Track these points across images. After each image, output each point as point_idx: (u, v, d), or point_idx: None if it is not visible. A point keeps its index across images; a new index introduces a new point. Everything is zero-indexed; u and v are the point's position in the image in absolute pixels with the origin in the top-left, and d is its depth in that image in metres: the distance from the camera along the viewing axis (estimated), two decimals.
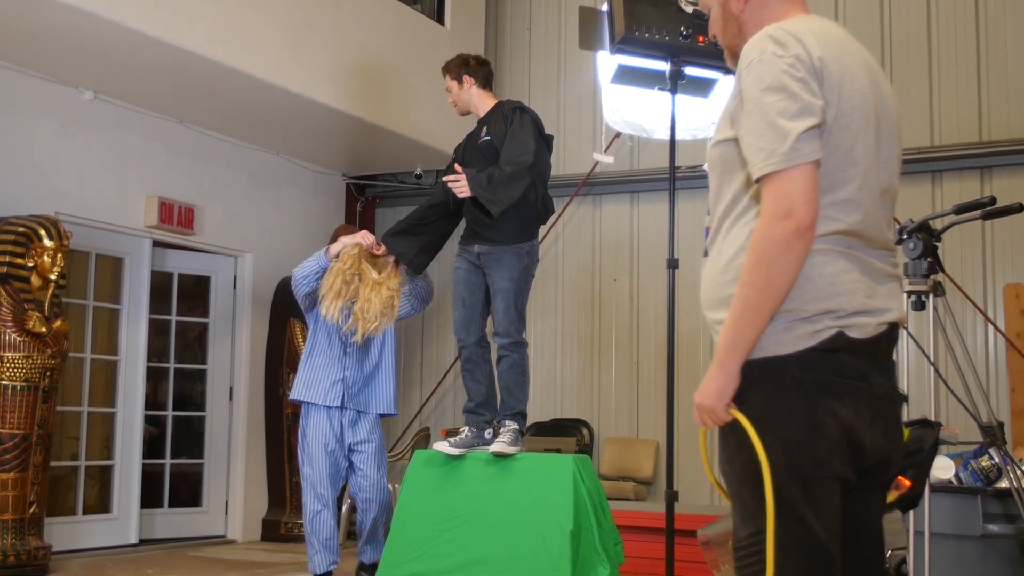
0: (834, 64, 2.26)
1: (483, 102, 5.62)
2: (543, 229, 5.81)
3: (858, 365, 2.23)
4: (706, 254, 2.56)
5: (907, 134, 8.04)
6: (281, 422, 8.80)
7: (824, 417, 2.19)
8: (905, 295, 4.63)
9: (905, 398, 2.42)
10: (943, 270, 4.78)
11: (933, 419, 4.50)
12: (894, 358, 2.37)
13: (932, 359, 4.57)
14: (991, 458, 5.50)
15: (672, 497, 4.75)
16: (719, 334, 2.33)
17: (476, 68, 5.66)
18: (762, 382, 2.24)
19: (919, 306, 4.64)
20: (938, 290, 4.64)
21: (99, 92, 7.54)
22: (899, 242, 4.70)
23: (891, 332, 2.31)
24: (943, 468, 5.27)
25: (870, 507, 2.36)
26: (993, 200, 4.70)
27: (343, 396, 5.94)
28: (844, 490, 2.24)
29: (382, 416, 6.13)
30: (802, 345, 2.21)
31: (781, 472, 2.18)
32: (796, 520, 2.17)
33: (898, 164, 2.43)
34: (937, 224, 4.80)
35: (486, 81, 5.67)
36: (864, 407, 2.23)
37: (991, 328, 7.87)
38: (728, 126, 2.35)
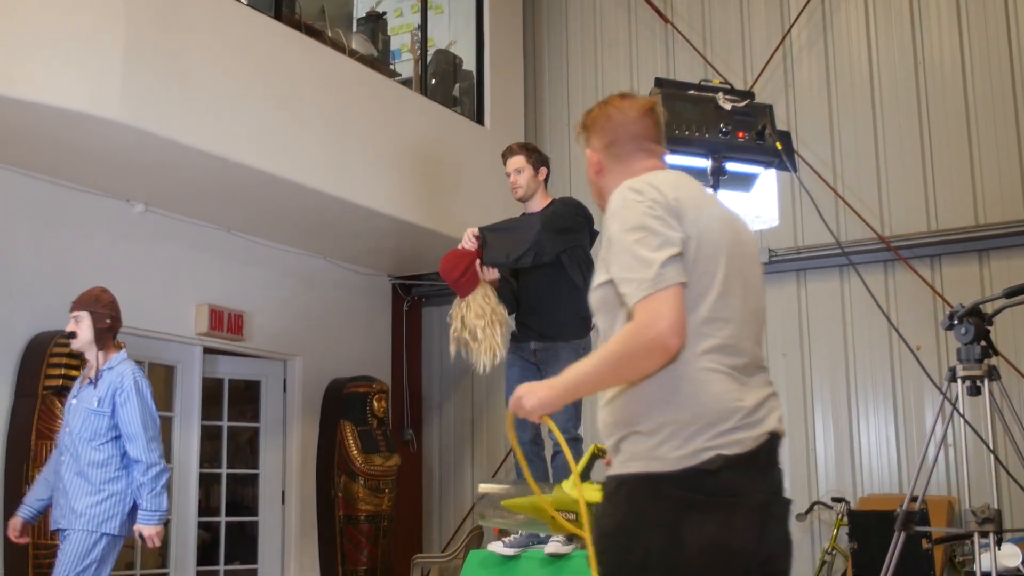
0: (690, 202, 2.56)
1: (543, 199, 5.75)
2: None
3: (732, 482, 2.40)
4: None
5: (950, 214, 8.10)
6: (334, 525, 8.77)
7: (689, 535, 2.36)
8: (960, 380, 4.58)
9: (788, 503, 2.61)
10: (997, 352, 4.73)
11: (995, 506, 4.43)
12: (780, 465, 2.58)
13: (991, 445, 4.50)
14: None
15: None
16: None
17: (548, 167, 5.81)
18: (638, 493, 2.45)
19: (974, 391, 4.59)
20: (993, 374, 4.58)
21: (149, 204, 7.70)
22: (950, 327, 4.67)
23: (771, 442, 2.50)
24: (1010, 556, 5.15)
25: None
26: None
27: None
28: None
29: None
30: (681, 464, 2.40)
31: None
32: None
33: (762, 287, 2.71)
34: (988, 308, 4.76)
35: (547, 182, 5.82)
36: (736, 520, 2.40)
37: None
38: (603, 271, 2.60)
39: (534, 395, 2.67)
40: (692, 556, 2.36)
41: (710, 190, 2.60)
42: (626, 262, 2.47)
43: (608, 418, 2.61)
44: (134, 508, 5.29)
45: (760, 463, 2.47)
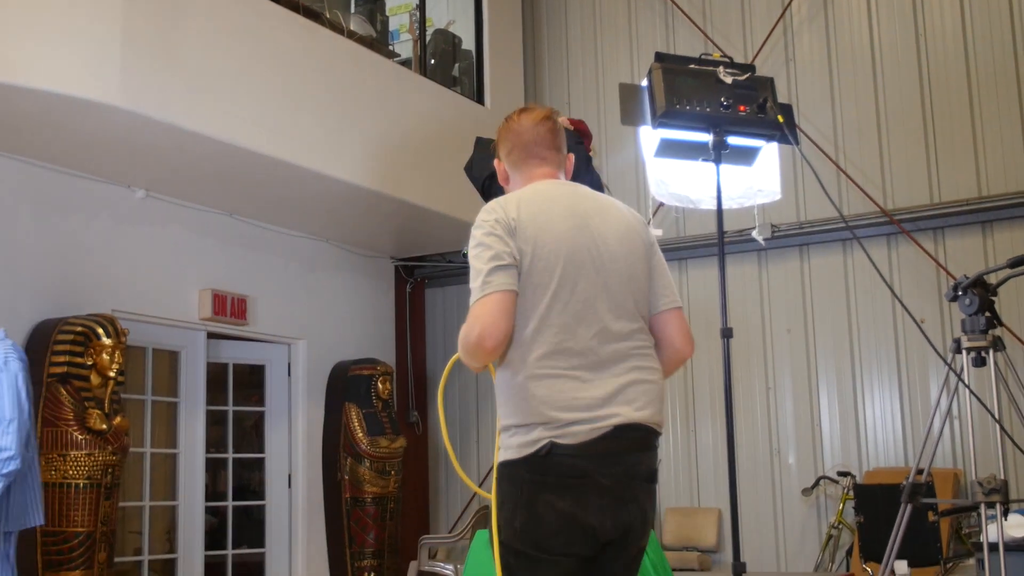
0: (530, 222, 2.91)
1: None
2: None
3: (577, 465, 2.77)
4: None
5: (953, 186, 8.08)
6: (340, 507, 8.79)
7: (542, 509, 2.78)
8: (965, 352, 4.58)
9: (646, 486, 2.91)
10: (1001, 323, 4.72)
11: (1001, 476, 4.43)
12: (645, 451, 2.90)
13: (996, 415, 4.50)
14: None
15: (740, 569, 4.67)
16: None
17: None
18: (504, 479, 2.88)
19: (979, 362, 4.58)
20: (998, 345, 4.58)
21: (150, 190, 7.69)
22: (954, 299, 4.66)
23: (615, 432, 2.81)
24: (1017, 526, 5.16)
25: (615, 572, 2.92)
26: None
27: None
28: (582, 562, 2.84)
29: None
30: (526, 452, 2.80)
31: (509, 550, 2.84)
32: None
33: (632, 281, 3.00)
34: (992, 278, 4.75)
35: None
36: (591, 500, 2.79)
37: None
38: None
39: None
40: (549, 528, 2.78)
41: (568, 200, 3.04)
42: (471, 274, 2.88)
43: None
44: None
45: (601, 450, 2.80)
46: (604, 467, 2.80)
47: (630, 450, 2.86)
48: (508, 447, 2.87)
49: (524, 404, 2.84)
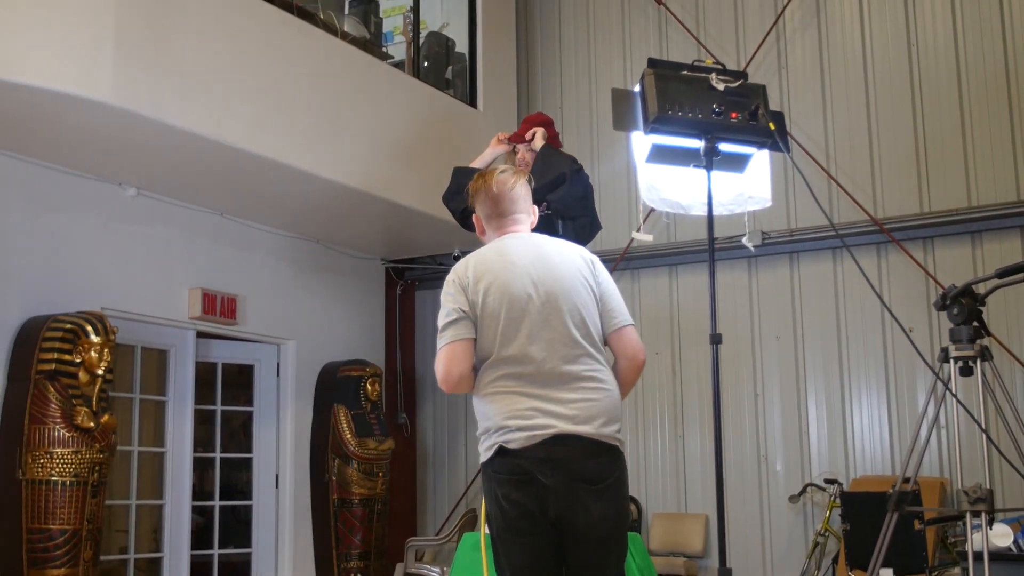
0: (482, 280, 3.56)
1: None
2: None
3: (520, 465, 3.42)
4: None
5: (943, 196, 8.10)
6: (327, 509, 8.78)
7: (502, 499, 3.47)
8: (952, 361, 4.58)
9: (587, 487, 3.43)
10: (989, 333, 4.73)
11: (987, 486, 4.44)
12: (584, 460, 3.43)
13: (982, 425, 4.51)
14: None
15: (726, 574, 4.68)
16: None
17: None
18: (483, 474, 3.61)
19: (966, 372, 4.58)
20: (985, 354, 4.58)
21: (141, 188, 7.68)
22: (942, 308, 4.66)
23: (553, 441, 3.41)
24: (1002, 536, 5.17)
25: (576, 553, 3.51)
26: None
27: None
28: (547, 545, 3.47)
29: None
30: (488, 455, 3.52)
31: (492, 536, 3.56)
32: (498, 561, 3.56)
33: (577, 314, 3.58)
34: (980, 288, 4.75)
35: None
36: (536, 493, 3.42)
37: None
38: None
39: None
40: (509, 515, 3.46)
41: (537, 245, 3.74)
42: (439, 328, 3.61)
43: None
44: None
45: (541, 454, 3.40)
46: (545, 469, 3.41)
47: (572, 457, 3.42)
48: (481, 451, 3.58)
49: (484, 416, 3.56)
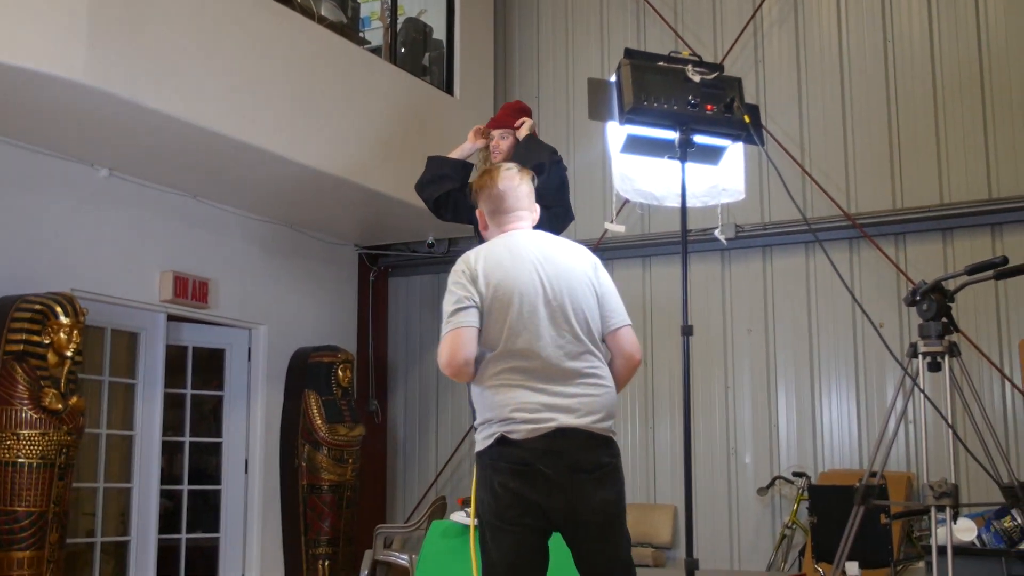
0: (490, 272, 3.65)
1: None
2: None
3: (522, 456, 3.49)
4: None
5: (916, 192, 8.15)
6: (297, 494, 8.76)
7: (498, 488, 3.53)
8: (921, 356, 4.62)
9: (584, 478, 3.52)
10: (958, 329, 4.76)
11: (952, 481, 4.48)
12: (586, 452, 3.54)
13: (950, 421, 4.55)
14: (1013, 519, 5.45)
15: (692, 566, 4.70)
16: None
17: None
18: (478, 464, 3.68)
19: (934, 367, 4.62)
20: (953, 350, 4.62)
21: (114, 169, 7.62)
22: (912, 303, 4.70)
23: (555, 434, 3.51)
24: (966, 530, 5.22)
25: (588, 540, 3.60)
26: (1005, 260, 4.70)
27: None
28: (536, 533, 3.55)
29: None
30: (487, 444, 3.59)
31: (481, 522, 3.62)
32: (485, 548, 3.60)
33: (580, 312, 3.69)
34: (951, 284, 4.79)
35: None
36: (536, 483, 3.49)
37: (1008, 385, 7.83)
38: None
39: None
40: (503, 503, 3.51)
41: (548, 244, 3.85)
42: (444, 314, 3.65)
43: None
44: None
45: (542, 447, 3.48)
46: (546, 460, 3.49)
47: (572, 449, 3.52)
48: (479, 440, 3.64)
49: (487, 406, 3.60)
